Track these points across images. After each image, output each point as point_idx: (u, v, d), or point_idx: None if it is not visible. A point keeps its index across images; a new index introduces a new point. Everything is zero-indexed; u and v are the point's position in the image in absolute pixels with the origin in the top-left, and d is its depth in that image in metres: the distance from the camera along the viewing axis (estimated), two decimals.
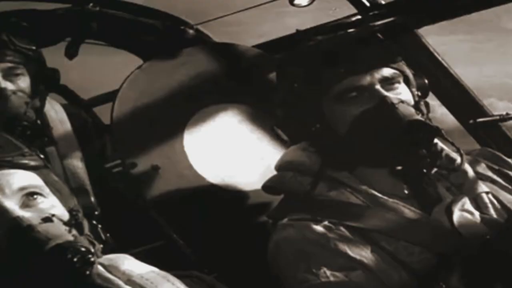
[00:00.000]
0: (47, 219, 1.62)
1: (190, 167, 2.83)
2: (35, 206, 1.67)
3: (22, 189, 1.67)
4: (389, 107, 2.13)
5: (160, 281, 1.80)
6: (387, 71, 2.20)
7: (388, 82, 2.19)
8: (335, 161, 2.24)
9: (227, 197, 2.80)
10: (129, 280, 1.77)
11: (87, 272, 1.55)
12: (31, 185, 1.68)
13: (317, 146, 2.27)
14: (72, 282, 1.54)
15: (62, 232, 1.61)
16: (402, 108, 2.14)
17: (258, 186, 2.60)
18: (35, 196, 1.67)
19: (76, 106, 3.53)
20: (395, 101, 2.15)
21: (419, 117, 2.16)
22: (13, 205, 1.63)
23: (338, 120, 2.20)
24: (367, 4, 2.78)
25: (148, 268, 1.84)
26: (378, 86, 2.17)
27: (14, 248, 1.56)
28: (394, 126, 2.11)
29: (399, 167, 2.19)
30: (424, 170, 2.17)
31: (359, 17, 2.74)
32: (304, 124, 2.25)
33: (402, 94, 2.21)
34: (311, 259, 2.10)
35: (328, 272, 2.06)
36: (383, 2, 2.79)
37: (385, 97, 2.15)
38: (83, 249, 1.56)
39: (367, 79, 2.17)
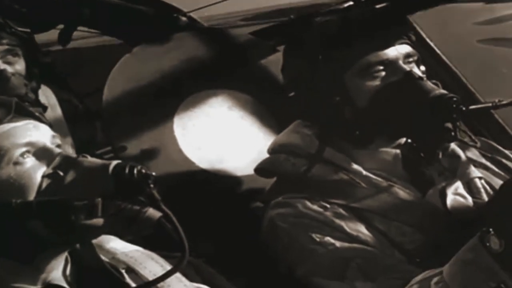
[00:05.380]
0: (83, 156, 1.63)
1: (179, 151, 2.80)
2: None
3: (54, 136, 1.68)
4: (416, 80, 2.17)
5: (145, 259, 1.80)
6: (408, 48, 2.23)
7: (408, 60, 2.23)
8: (347, 137, 2.25)
9: (216, 182, 2.77)
10: (113, 258, 1.78)
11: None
12: (56, 135, 1.70)
13: (331, 121, 2.26)
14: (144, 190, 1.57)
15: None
16: (427, 83, 2.18)
17: (249, 171, 2.62)
18: (59, 148, 1.69)
19: (67, 92, 3.51)
20: (420, 75, 2.19)
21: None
22: (51, 146, 1.65)
23: (358, 93, 2.21)
24: None
25: (132, 247, 1.84)
26: (401, 62, 2.20)
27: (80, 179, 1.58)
28: (421, 98, 2.14)
29: (413, 142, 2.23)
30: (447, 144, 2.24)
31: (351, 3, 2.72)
32: (323, 97, 2.25)
33: (418, 73, 2.23)
34: (311, 230, 2.12)
35: (332, 240, 2.09)
36: None
37: (410, 71, 2.19)
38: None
39: (393, 54, 2.20)
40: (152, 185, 1.58)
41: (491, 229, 1.77)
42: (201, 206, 2.67)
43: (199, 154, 2.82)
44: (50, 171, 1.61)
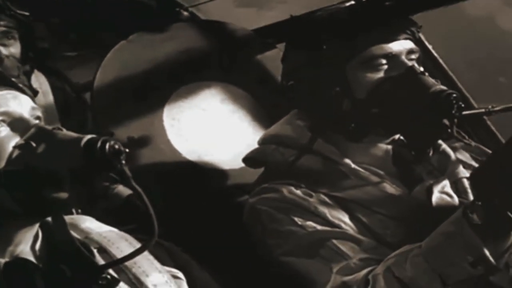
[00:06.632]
0: (59, 129, 1.59)
1: (167, 141, 2.76)
2: None
3: (34, 108, 1.65)
4: (417, 75, 2.17)
5: (118, 240, 1.77)
6: (411, 44, 2.24)
7: (411, 56, 2.23)
8: (341, 130, 2.25)
9: (202, 174, 2.74)
10: (87, 237, 1.74)
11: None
12: (37, 107, 1.67)
13: (329, 112, 2.25)
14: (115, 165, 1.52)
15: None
16: (429, 78, 2.18)
17: (236, 165, 2.62)
18: (38, 120, 1.65)
19: (61, 80, 3.49)
20: (422, 70, 2.20)
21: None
22: (29, 117, 1.62)
23: (358, 85, 2.21)
24: None
25: (107, 228, 1.82)
26: (404, 57, 2.21)
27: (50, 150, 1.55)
28: (422, 93, 2.14)
29: (406, 139, 2.24)
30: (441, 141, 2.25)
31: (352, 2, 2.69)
32: (323, 87, 2.24)
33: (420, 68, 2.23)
34: (293, 214, 2.13)
35: (313, 224, 2.09)
36: None
37: (412, 65, 2.19)
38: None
39: (397, 48, 2.21)
40: (124, 162, 1.54)
41: (476, 202, 1.79)
42: (185, 197, 2.64)
43: (187, 145, 2.78)
44: (22, 141, 1.57)
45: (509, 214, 1.74)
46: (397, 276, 1.89)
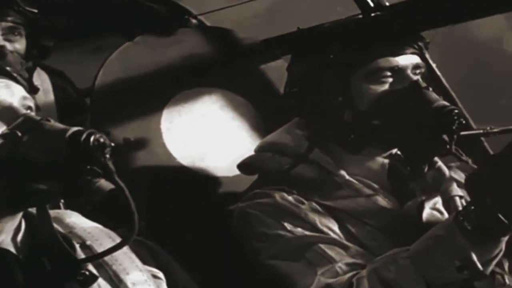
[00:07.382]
0: (47, 120, 1.57)
1: (163, 145, 2.75)
2: None
3: (25, 98, 1.63)
4: (421, 90, 2.17)
5: (102, 236, 1.75)
6: (418, 59, 2.24)
7: (416, 71, 2.23)
8: (340, 141, 2.25)
9: (195, 179, 2.72)
10: (70, 232, 1.73)
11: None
12: (29, 97, 1.64)
13: (329, 121, 2.25)
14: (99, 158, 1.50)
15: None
16: (433, 94, 2.18)
17: (229, 173, 2.61)
18: (29, 110, 1.63)
19: (63, 80, 3.49)
20: (426, 85, 2.19)
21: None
22: (18, 106, 1.60)
23: (361, 96, 2.21)
24: (371, 4, 2.72)
25: (92, 224, 1.80)
26: (409, 71, 2.20)
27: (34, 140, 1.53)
28: (424, 107, 2.14)
29: (403, 155, 2.25)
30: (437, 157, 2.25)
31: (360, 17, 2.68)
32: (326, 95, 2.24)
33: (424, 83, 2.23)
34: (283, 219, 2.13)
35: (302, 230, 2.10)
36: (387, 4, 2.74)
37: (417, 80, 2.19)
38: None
39: (403, 62, 2.20)
40: (108, 156, 1.51)
41: (469, 206, 1.80)
42: (175, 201, 2.63)
43: (182, 150, 2.77)
44: (7, 130, 1.55)
45: (501, 216, 1.74)
46: (381, 277, 1.89)
